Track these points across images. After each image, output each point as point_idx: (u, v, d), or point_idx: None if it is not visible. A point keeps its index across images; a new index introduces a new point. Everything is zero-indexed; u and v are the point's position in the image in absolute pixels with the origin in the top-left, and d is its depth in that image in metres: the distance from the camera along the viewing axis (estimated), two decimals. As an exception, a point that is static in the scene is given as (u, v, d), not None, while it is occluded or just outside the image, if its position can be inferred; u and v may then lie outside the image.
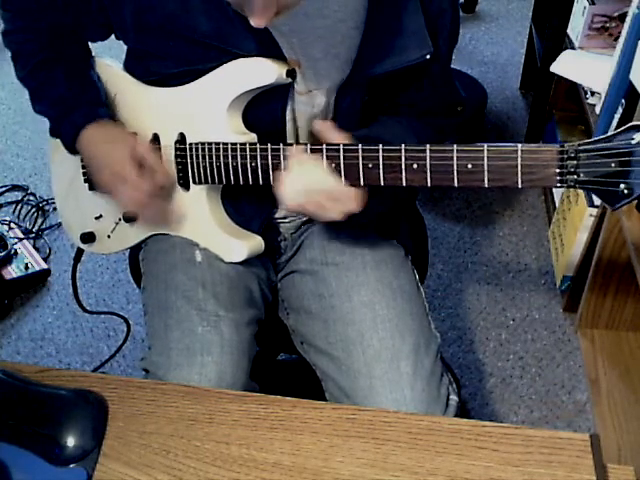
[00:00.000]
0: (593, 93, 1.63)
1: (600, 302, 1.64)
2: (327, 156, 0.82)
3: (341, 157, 0.82)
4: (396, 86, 0.94)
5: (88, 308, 1.38)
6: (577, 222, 1.69)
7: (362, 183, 0.82)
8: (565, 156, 0.71)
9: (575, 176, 0.71)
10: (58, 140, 1.03)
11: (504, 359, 1.69)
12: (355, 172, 0.82)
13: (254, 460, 0.71)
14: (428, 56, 0.88)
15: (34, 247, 2.04)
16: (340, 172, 0.82)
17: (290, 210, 0.87)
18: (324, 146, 0.83)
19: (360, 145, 0.81)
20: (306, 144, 0.84)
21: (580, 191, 1.68)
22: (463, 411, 1.52)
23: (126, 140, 0.95)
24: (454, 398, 0.92)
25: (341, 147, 0.82)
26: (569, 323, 1.76)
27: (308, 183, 0.83)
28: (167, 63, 0.94)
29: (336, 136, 0.84)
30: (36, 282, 1.96)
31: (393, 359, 0.90)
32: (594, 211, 1.60)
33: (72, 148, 1.00)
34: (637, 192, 0.68)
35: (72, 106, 0.98)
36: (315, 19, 0.86)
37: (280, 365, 1.62)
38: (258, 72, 0.87)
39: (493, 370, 1.67)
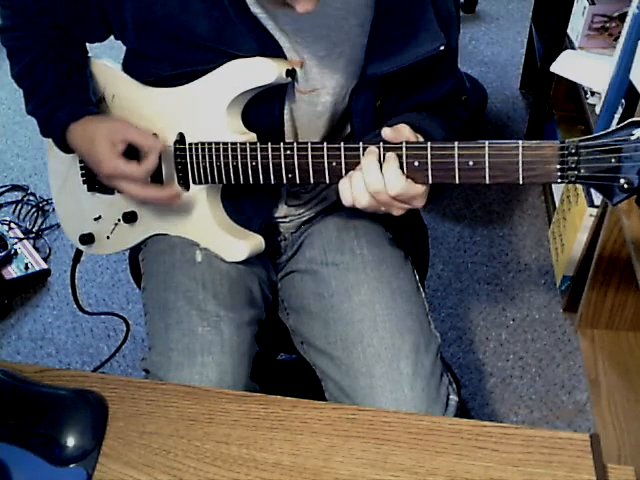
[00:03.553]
0: (593, 93, 1.63)
1: (600, 302, 1.63)
2: (328, 155, 0.82)
3: (342, 156, 0.82)
4: (410, 83, 0.94)
5: (88, 308, 1.38)
6: (577, 222, 1.69)
7: None
8: (566, 152, 0.71)
9: (576, 172, 0.71)
10: (52, 141, 1.02)
11: (504, 359, 1.69)
12: None
13: (254, 460, 0.71)
14: (442, 47, 0.87)
15: (34, 247, 2.04)
16: (341, 171, 0.82)
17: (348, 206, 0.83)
18: (325, 144, 0.83)
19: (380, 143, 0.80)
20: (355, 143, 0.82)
21: (580, 191, 1.68)
22: (463, 411, 1.52)
23: (105, 131, 0.92)
24: (454, 398, 0.92)
25: (342, 146, 0.82)
26: (569, 323, 1.76)
27: (374, 185, 0.79)
28: (165, 65, 0.93)
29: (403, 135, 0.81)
30: (36, 282, 1.96)
31: (393, 359, 0.90)
32: (594, 211, 1.60)
33: (63, 147, 1.00)
34: (636, 186, 0.68)
35: (57, 105, 0.97)
36: (316, 17, 0.85)
37: (280, 365, 1.62)
38: (258, 72, 0.87)
39: (493, 370, 1.67)
